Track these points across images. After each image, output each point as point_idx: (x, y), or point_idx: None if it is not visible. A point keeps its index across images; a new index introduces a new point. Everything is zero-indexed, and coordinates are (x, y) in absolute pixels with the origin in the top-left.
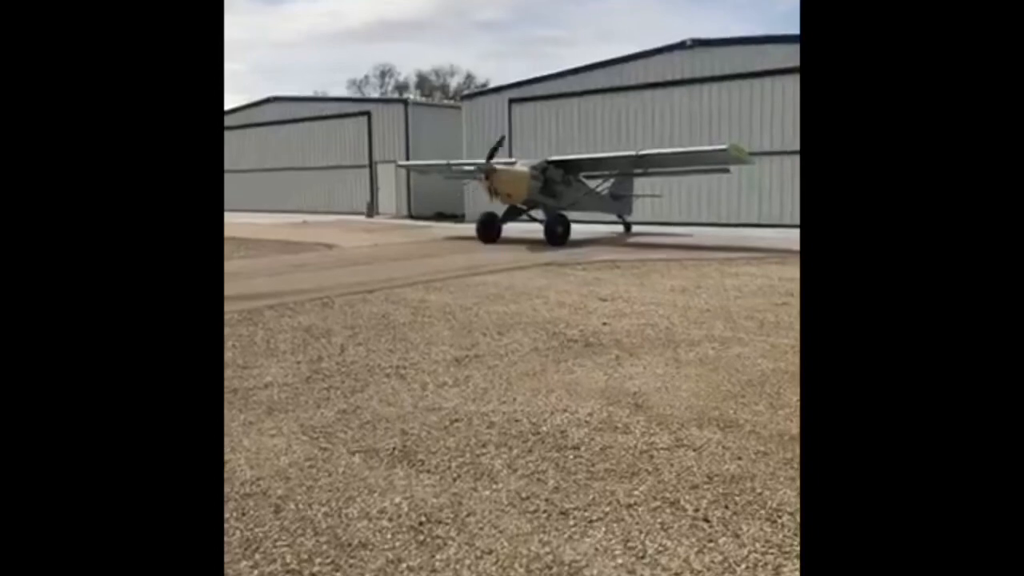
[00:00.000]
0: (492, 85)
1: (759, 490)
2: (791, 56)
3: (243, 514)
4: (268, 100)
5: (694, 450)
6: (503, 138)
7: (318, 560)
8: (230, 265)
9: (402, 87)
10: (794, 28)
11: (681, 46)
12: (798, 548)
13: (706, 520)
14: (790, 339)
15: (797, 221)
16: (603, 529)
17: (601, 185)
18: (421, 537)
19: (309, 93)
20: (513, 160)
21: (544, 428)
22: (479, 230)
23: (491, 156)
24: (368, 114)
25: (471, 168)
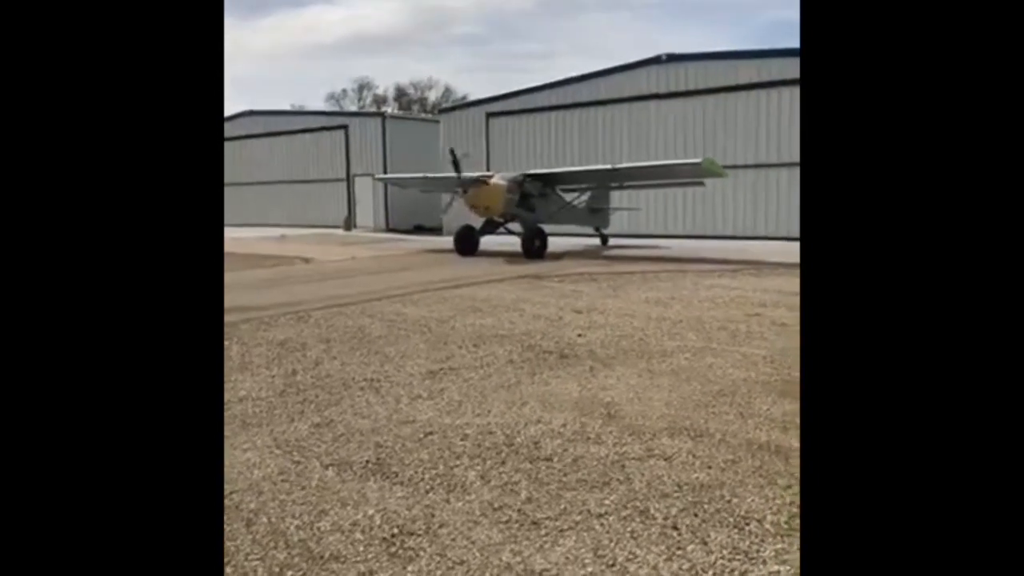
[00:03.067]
0: (470, 99)
1: (728, 498)
2: (764, 71)
3: None
4: (243, 114)
5: (665, 459)
6: (452, 151)
7: (289, 573)
8: None
9: (380, 101)
10: (769, 43)
11: (656, 61)
12: (763, 554)
13: (675, 528)
14: (762, 350)
15: (772, 233)
16: (574, 538)
17: (578, 198)
18: (393, 549)
19: (286, 107)
20: (490, 173)
21: (518, 439)
22: (456, 243)
23: (456, 169)
24: (345, 128)
25: (449, 180)
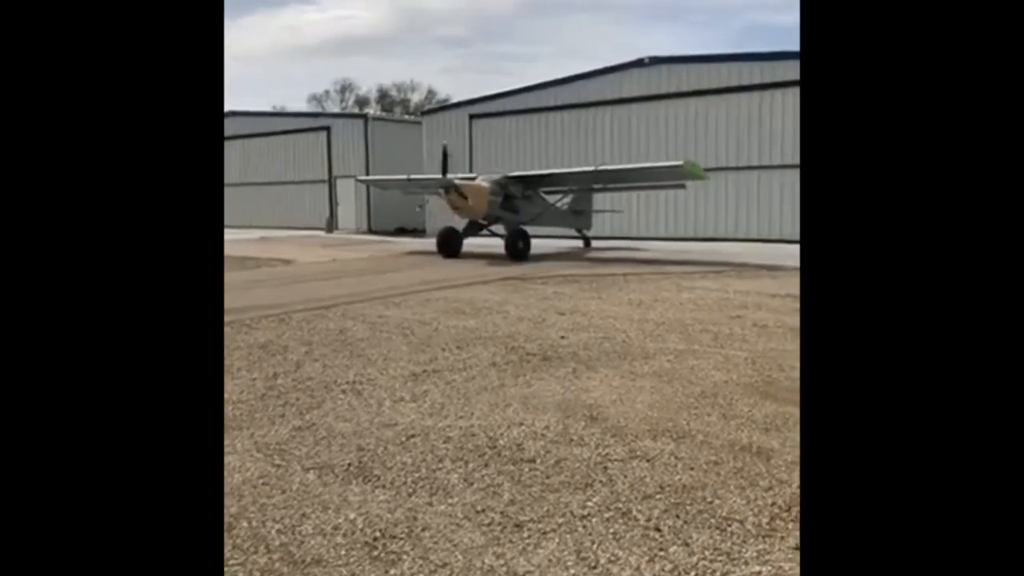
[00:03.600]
0: (453, 101)
1: (709, 499)
2: (746, 74)
3: None
4: (225, 115)
5: (647, 461)
6: (445, 146)
7: None
8: None
9: (363, 102)
10: (745, 46)
11: (639, 63)
12: (745, 555)
13: (657, 530)
14: (743, 351)
15: (753, 235)
16: (556, 540)
17: (561, 200)
18: (375, 552)
19: (268, 108)
20: (473, 175)
21: (501, 442)
22: (439, 245)
23: (444, 166)
24: (328, 129)
25: (431, 182)
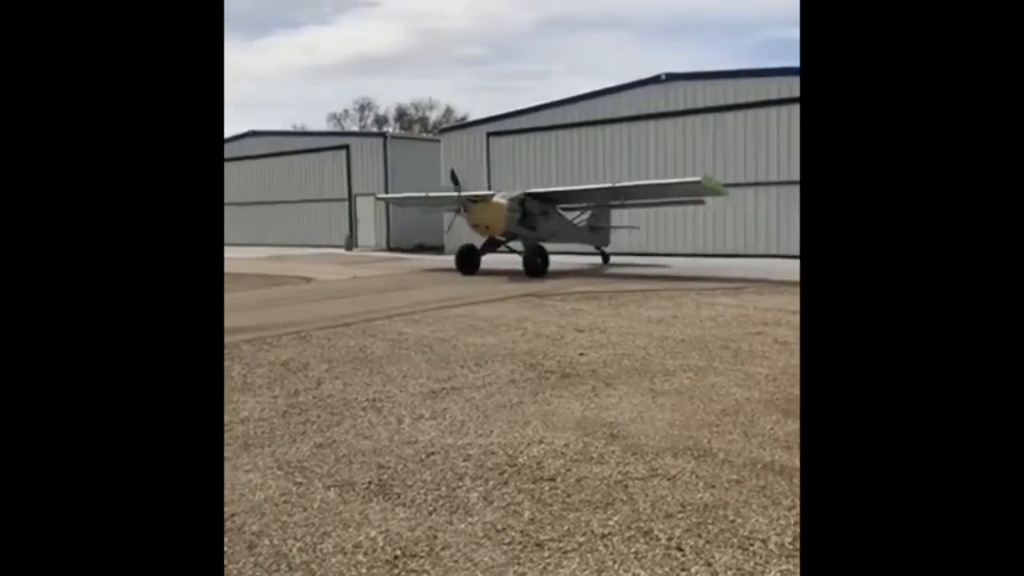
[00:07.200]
0: (471, 119)
1: (732, 518)
2: (763, 90)
3: None
4: (247, 134)
5: (668, 479)
6: (453, 171)
7: None
8: None
9: (381, 121)
10: (761, 61)
11: (656, 80)
12: (768, 575)
13: (679, 549)
14: (764, 368)
15: (772, 251)
16: (577, 560)
17: (579, 217)
18: (396, 571)
19: (288, 127)
20: (492, 192)
21: (520, 460)
22: (458, 262)
23: (456, 187)
24: (347, 147)
25: (449, 200)
